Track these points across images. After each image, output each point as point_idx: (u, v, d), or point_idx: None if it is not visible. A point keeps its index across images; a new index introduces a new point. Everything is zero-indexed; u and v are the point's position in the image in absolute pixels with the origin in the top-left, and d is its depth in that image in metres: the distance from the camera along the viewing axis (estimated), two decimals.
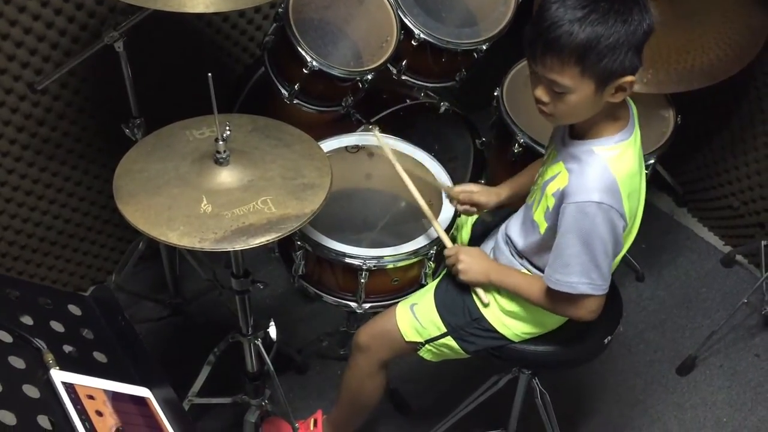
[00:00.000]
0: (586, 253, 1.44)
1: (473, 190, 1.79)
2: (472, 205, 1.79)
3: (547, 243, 1.52)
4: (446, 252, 1.72)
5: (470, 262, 1.65)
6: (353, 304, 1.86)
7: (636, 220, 1.54)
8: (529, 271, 1.64)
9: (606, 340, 1.73)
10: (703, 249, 2.78)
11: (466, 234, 1.90)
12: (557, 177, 1.48)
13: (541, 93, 1.40)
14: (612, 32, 1.29)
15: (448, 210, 1.86)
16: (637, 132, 1.48)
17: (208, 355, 2.00)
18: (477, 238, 1.86)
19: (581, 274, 1.46)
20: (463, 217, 1.91)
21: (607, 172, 1.41)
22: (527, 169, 1.80)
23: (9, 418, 0.99)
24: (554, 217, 1.48)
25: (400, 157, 1.94)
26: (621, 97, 1.39)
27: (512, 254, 1.66)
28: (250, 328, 1.84)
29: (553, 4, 1.31)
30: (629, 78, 1.35)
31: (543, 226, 1.52)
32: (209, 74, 1.42)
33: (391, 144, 2.04)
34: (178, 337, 2.40)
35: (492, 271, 1.64)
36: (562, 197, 1.45)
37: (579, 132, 1.48)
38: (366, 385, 1.87)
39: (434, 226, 1.77)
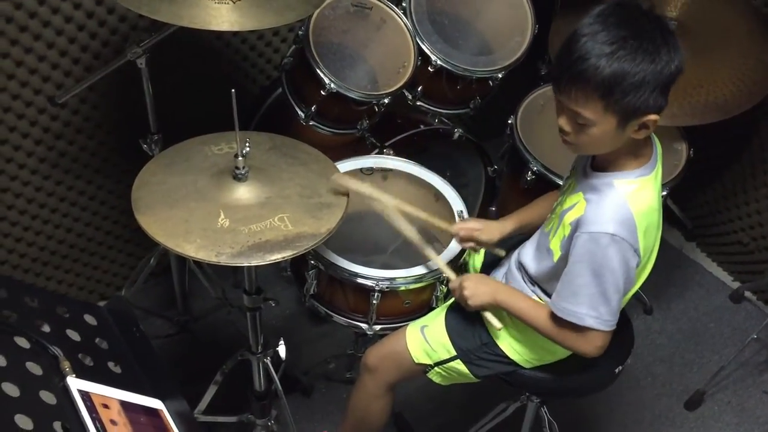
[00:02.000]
0: (595, 284, 1.43)
1: (474, 227, 1.76)
2: (475, 242, 1.78)
3: (559, 271, 1.52)
4: (451, 285, 1.69)
5: (475, 286, 1.63)
6: (364, 326, 1.86)
7: (651, 257, 1.53)
8: (539, 298, 1.63)
9: (617, 370, 1.72)
10: (712, 284, 2.78)
11: (479, 260, 1.89)
12: (575, 206, 1.48)
13: (563, 122, 1.40)
14: (638, 70, 1.29)
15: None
16: (659, 170, 1.48)
17: (213, 373, 1.99)
18: (489, 264, 1.86)
19: (589, 306, 1.45)
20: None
21: (625, 205, 1.41)
22: (535, 203, 1.79)
23: (26, 422, 0.99)
24: (568, 245, 1.47)
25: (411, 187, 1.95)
26: (644, 135, 1.38)
27: (524, 280, 1.66)
28: (259, 347, 1.83)
29: (583, 37, 1.31)
30: (653, 116, 1.35)
31: (557, 254, 1.52)
32: (232, 90, 1.44)
33: (402, 167, 2.06)
34: (184, 354, 2.40)
35: (499, 291, 1.62)
36: (577, 226, 1.45)
37: (600, 164, 1.48)
38: (372, 407, 1.85)
39: (437, 261, 1.75)
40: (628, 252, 1.41)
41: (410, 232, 1.73)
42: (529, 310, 1.57)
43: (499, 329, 1.64)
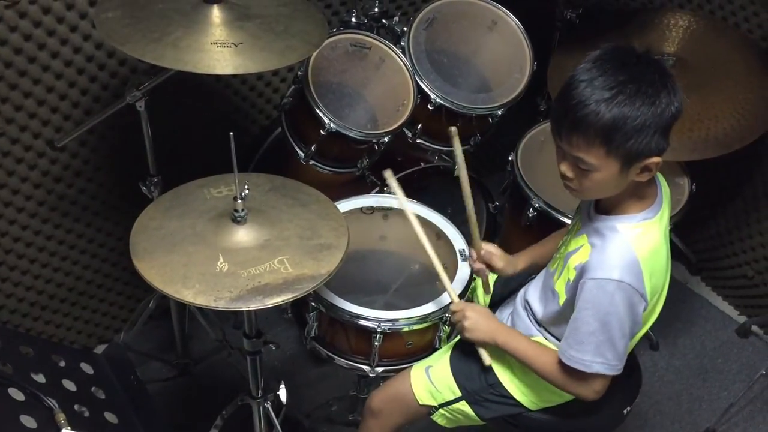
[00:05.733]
0: (602, 332, 1.41)
1: (493, 252, 1.77)
2: (488, 266, 1.77)
3: (565, 314, 1.50)
4: (452, 307, 1.67)
5: (477, 320, 1.61)
6: (366, 368, 1.83)
7: (660, 298, 1.51)
8: (546, 339, 1.61)
9: (625, 411, 1.69)
10: (718, 318, 2.75)
11: (487, 298, 1.87)
12: (580, 250, 1.46)
13: (566, 169, 1.40)
14: (639, 114, 1.29)
15: (464, 272, 1.84)
16: (664, 211, 1.46)
17: (214, 417, 1.96)
18: (495, 303, 1.84)
19: (596, 353, 1.43)
20: (480, 280, 1.89)
21: (629, 250, 1.39)
22: (547, 240, 1.78)
23: None
24: (574, 290, 1.46)
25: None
26: (646, 177, 1.38)
27: (530, 320, 1.64)
28: (260, 391, 1.80)
29: (581, 83, 1.31)
30: (655, 159, 1.34)
31: (563, 297, 1.50)
32: (231, 133, 1.43)
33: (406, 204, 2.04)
34: (184, 398, 2.36)
35: (499, 332, 1.60)
36: (582, 272, 1.43)
37: (604, 207, 1.47)
38: None
39: (442, 278, 1.72)
40: (635, 297, 1.39)
41: (431, 251, 1.73)
42: (530, 354, 1.55)
43: (488, 365, 1.62)
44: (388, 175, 1.83)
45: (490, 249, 1.78)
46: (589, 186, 1.38)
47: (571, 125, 1.33)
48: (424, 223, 2.03)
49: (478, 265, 1.78)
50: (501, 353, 1.63)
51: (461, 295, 1.80)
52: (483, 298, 1.87)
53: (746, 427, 2.38)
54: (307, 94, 1.96)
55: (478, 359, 1.66)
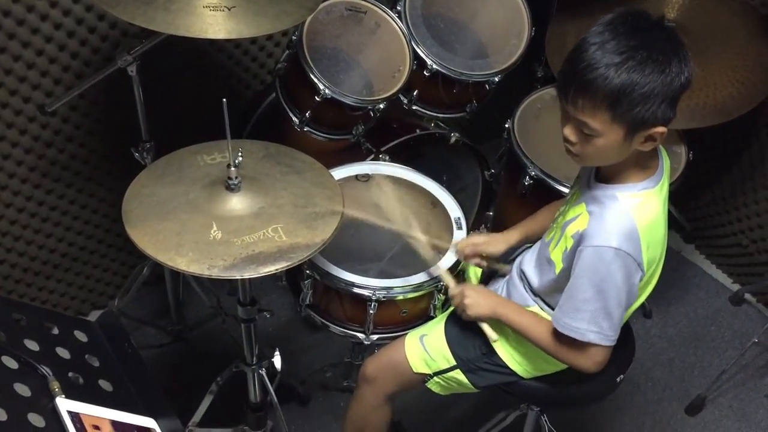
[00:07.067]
0: (598, 300, 1.41)
1: (477, 242, 1.74)
2: (481, 257, 1.75)
3: (561, 283, 1.49)
4: (451, 292, 1.67)
5: (476, 297, 1.61)
6: (361, 335, 1.84)
7: (657, 271, 1.50)
8: (541, 309, 1.60)
9: (618, 379, 1.70)
10: (711, 287, 2.75)
11: (478, 269, 1.87)
12: (578, 218, 1.45)
13: (569, 132, 1.37)
14: (647, 81, 1.26)
15: (459, 239, 1.84)
16: (664, 182, 1.45)
17: (208, 383, 1.97)
18: (489, 274, 1.83)
19: (591, 322, 1.42)
20: None
21: (628, 218, 1.38)
22: (540, 212, 1.76)
23: None
24: (571, 258, 1.45)
25: (407, 193, 1.93)
26: (650, 147, 1.36)
27: (526, 290, 1.63)
28: (254, 358, 1.81)
29: (592, 46, 1.29)
30: (660, 129, 1.32)
31: (559, 266, 1.49)
32: (224, 100, 1.41)
33: (398, 173, 2.02)
34: (179, 364, 2.37)
35: (498, 306, 1.61)
36: (580, 239, 1.42)
37: (605, 176, 1.45)
38: (371, 418, 1.83)
39: (438, 267, 1.75)
40: (632, 266, 1.39)
41: (415, 233, 1.75)
42: (530, 326, 1.55)
43: (495, 341, 1.62)
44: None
45: (472, 240, 1.76)
46: (591, 152, 1.37)
47: (578, 88, 1.30)
48: (419, 191, 2.02)
49: (475, 260, 1.76)
50: (495, 322, 1.64)
51: (455, 267, 1.80)
52: (474, 274, 1.86)
53: (737, 393, 2.41)
54: (302, 59, 1.94)
55: (474, 329, 1.66)
